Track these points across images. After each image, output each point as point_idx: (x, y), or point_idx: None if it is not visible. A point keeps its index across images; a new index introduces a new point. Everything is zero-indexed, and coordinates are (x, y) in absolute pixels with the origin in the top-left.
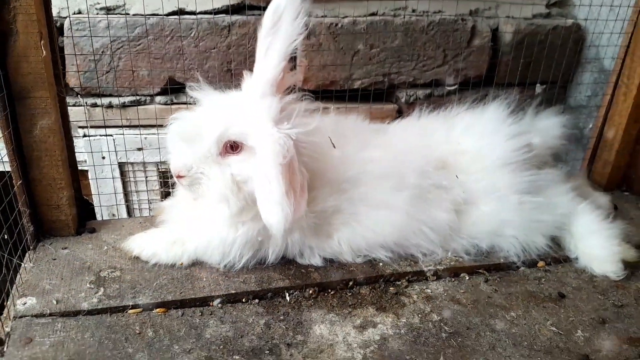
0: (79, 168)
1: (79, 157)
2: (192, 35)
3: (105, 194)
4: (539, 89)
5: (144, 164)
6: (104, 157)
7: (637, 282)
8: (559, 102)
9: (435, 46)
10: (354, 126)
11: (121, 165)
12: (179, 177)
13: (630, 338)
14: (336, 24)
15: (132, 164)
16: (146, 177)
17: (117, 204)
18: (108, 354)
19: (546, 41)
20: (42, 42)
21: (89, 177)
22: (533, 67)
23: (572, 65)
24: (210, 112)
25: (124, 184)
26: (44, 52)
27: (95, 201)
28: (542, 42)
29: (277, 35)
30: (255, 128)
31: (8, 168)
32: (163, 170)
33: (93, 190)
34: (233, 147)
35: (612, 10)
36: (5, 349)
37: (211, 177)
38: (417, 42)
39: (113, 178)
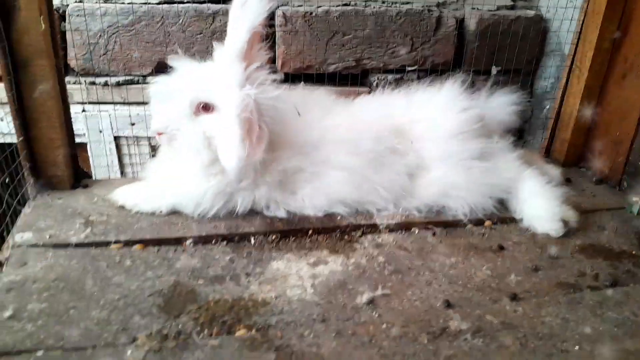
0: (78, 141)
1: (78, 131)
2: (179, 22)
3: (102, 166)
4: (494, 70)
5: (135, 137)
6: (101, 131)
7: (576, 240)
8: (525, 90)
9: (403, 34)
10: (319, 98)
11: (116, 139)
12: (158, 134)
13: (560, 282)
14: (311, 13)
15: (126, 137)
16: (138, 150)
17: (112, 176)
18: (90, 276)
19: (509, 31)
20: (42, 17)
21: (88, 151)
22: (497, 56)
23: (535, 53)
24: (184, 77)
25: (120, 157)
26: (44, 26)
27: (94, 172)
28: (504, 32)
29: (245, 11)
30: (222, 90)
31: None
32: (154, 144)
33: (91, 162)
34: (205, 107)
35: None
36: (3, 269)
37: (185, 133)
38: (386, 31)
39: (107, 152)
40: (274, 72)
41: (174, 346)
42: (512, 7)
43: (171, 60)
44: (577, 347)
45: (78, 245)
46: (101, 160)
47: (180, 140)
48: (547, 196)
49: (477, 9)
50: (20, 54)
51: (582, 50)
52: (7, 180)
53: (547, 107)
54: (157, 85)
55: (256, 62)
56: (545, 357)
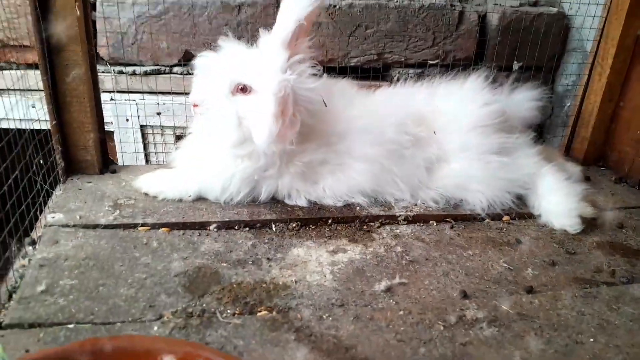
0: (106, 129)
1: (106, 119)
2: (206, 13)
3: (128, 153)
4: (516, 66)
5: (161, 127)
6: (127, 120)
7: (593, 237)
8: (546, 87)
9: (425, 29)
10: (343, 88)
11: (142, 128)
12: (194, 106)
13: (576, 278)
14: (334, 6)
15: (152, 126)
16: (164, 139)
17: (138, 164)
18: (118, 256)
19: (531, 27)
20: (77, 3)
21: (114, 139)
22: (519, 52)
23: (557, 50)
24: (229, 57)
25: (145, 146)
26: (78, 12)
27: (120, 160)
28: (526, 28)
29: (295, 3)
30: (263, 75)
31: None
32: (179, 134)
33: (117, 149)
34: (243, 89)
35: None
36: (37, 246)
37: (219, 110)
38: (409, 25)
39: (134, 140)
40: (315, 66)
41: (199, 324)
42: (535, 4)
43: (221, 40)
44: (592, 340)
45: (107, 226)
46: (127, 148)
47: (213, 115)
48: (565, 192)
49: (500, 5)
50: (55, 39)
51: (604, 48)
52: (40, 162)
53: (568, 104)
54: (203, 59)
55: (300, 55)
56: (560, 347)
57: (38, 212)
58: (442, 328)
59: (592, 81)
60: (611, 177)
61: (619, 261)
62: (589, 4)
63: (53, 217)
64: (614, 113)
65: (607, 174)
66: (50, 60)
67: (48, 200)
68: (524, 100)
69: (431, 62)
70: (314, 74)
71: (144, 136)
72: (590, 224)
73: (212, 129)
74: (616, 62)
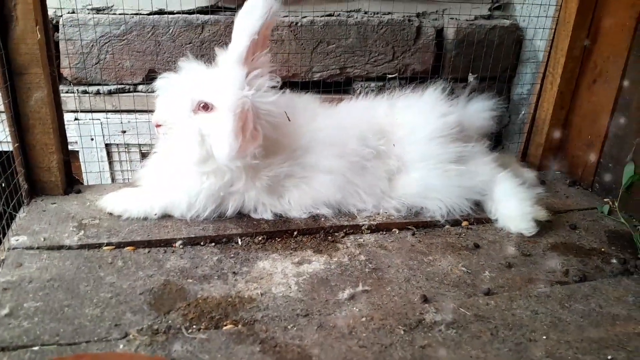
0: (70, 149)
1: (70, 139)
2: (170, 32)
3: (93, 173)
4: (471, 77)
5: (126, 145)
6: (92, 139)
7: (549, 239)
8: (502, 96)
9: (384, 43)
10: (306, 103)
11: (107, 146)
12: (157, 126)
13: (531, 279)
14: (296, 23)
15: (117, 145)
16: (129, 157)
17: (103, 183)
18: (83, 276)
19: (486, 40)
20: (38, 27)
21: (80, 159)
22: (475, 64)
23: (512, 61)
24: (189, 76)
25: (110, 164)
26: (39, 35)
27: (85, 179)
28: (481, 40)
29: (248, 19)
30: (222, 91)
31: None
32: (144, 151)
33: (83, 169)
34: (205, 107)
35: (543, 8)
36: (0, 270)
37: (182, 128)
38: (369, 40)
39: (99, 159)
40: (274, 80)
41: (164, 340)
42: (489, 17)
43: (181, 61)
44: (544, 337)
45: (72, 247)
46: (92, 167)
47: (176, 134)
48: (520, 197)
49: (456, 18)
50: (17, 62)
51: (554, 58)
52: (3, 185)
53: (523, 112)
54: (164, 80)
55: (258, 70)
56: (514, 346)
57: (1, 235)
58: (402, 332)
59: (545, 90)
60: (565, 181)
61: (572, 261)
62: (538, 16)
63: (17, 240)
64: (566, 119)
65: (561, 178)
66: (12, 83)
67: (12, 222)
68: (480, 110)
69: (391, 75)
70: (274, 87)
71: (109, 155)
72: (545, 227)
73: (176, 148)
74: (566, 71)
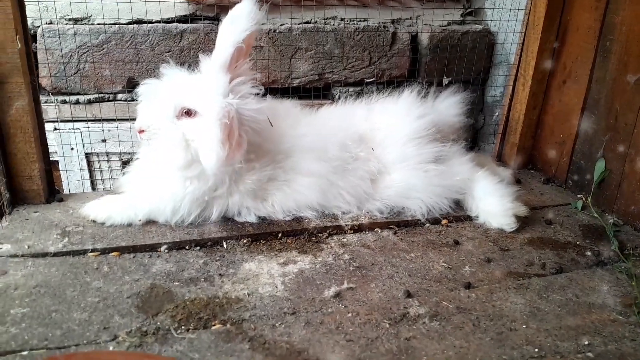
0: (51, 159)
1: (50, 149)
2: (149, 40)
3: (74, 181)
4: (446, 81)
5: (107, 154)
6: (72, 149)
7: (525, 234)
8: (477, 99)
9: (361, 49)
10: (288, 108)
11: (88, 155)
12: (140, 131)
13: (510, 272)
14: (274, 30)
15: (97, 154)
16: (110, 165)
17: (84, 191)
18: (69, 282)
19: (459, 44)
20: (18, 36)
21: (60, 168)
22: (449, 68)
23: (485, 64)
24: (172, 82)
25: (91, 173)
26: (19, 45)
27: (65, 189)
28: (455, 45)
29: (232, 28)
30: (206, 98)
31: None
32: (125, 160)
33: (63, 178)
34: (188, 112)
35: (513, 12)
36: None
37: (165, 134)
38: (346, 46)
39: (79, 168)
40: (257, 87)
41: (154, 341)
42: (462, 22)
43: (163, 68)
44: (524, 326)
45: (56, 254)
46: (73, 176)
47: (160, 139)
48: (500, 194)
49: (429, 24)
50: None
51: (525, 60)
52: None
53: (497, 114)
54: (146, 86)
55: (241, 77)
56: (495, 335)
57: None
58: (387, 326)
59: (517, 91)
60: (540, 179)
61: (549, 254)
62: (509, 20)
63: (0, 248)
64: (539, 120)
65: (536, 176)
66: None
67: None
68: (448, 106)
69: (368, 80)
70: (257, 94)
71: (89, 164)
72: (522, 223)
73: (160, 153)
74: (537, 73)
